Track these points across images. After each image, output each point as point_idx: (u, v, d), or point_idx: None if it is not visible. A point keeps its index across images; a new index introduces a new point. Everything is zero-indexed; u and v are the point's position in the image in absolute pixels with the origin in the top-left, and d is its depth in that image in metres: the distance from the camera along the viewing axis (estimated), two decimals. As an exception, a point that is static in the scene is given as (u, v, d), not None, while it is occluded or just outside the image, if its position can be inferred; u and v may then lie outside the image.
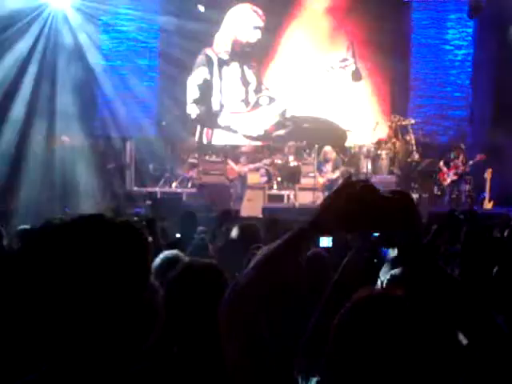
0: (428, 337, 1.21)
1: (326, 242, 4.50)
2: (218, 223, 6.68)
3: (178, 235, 6.59)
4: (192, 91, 15.57)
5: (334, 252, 4.47)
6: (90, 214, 1.24)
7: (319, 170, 13.10)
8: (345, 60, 15.12)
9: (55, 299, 1.15)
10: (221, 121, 15.58)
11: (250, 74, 15.64)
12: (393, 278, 2.43)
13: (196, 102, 15.59)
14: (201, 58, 15.58)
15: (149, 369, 1.98)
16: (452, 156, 13.20)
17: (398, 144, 13.86)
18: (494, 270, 3.37)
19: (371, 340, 1.19)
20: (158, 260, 3.23)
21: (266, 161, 14.04)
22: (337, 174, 13.13)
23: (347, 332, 1.23)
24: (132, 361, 1.23)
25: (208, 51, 15.57)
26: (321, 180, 13.05)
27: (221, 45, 15.54)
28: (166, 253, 3.32)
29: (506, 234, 6.64)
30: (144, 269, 1.23)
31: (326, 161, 13.24)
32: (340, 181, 13.18)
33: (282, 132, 15.15)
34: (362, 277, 2.03)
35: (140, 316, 1.21)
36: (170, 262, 3.03)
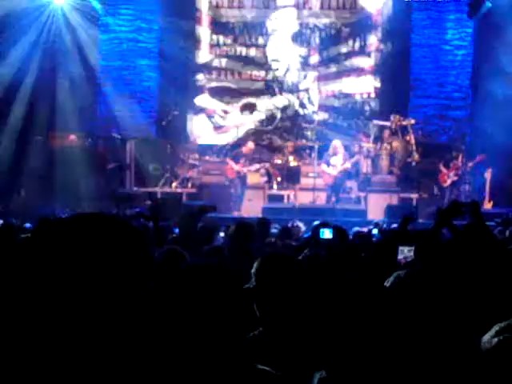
0: None
1: (327, 233, 4.50)
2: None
3: (176, 230, 6.63)
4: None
5: (335, 243, 4.50)
6: (86, 212, 1.24)
7: (327, 163, 12.90)
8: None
9: (55, 297, 1.15)
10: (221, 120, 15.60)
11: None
12: (396, 278, 2.52)
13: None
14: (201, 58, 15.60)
15: (150, 370, 1.98)
16: (451, 156, 13.19)
17: (397, 144, 13.83)
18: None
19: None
20: None
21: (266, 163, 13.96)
22: (349, 164, 12.93)
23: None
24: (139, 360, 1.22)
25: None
26: (333, 172, 12.83)
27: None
28: None
29: (507, 234, 6.65)
30: (143, 262, 1.22)
31: (335, 154, 12.98)
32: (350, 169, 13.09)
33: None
34: None
35: (146, 309, 1.21)
36: None
